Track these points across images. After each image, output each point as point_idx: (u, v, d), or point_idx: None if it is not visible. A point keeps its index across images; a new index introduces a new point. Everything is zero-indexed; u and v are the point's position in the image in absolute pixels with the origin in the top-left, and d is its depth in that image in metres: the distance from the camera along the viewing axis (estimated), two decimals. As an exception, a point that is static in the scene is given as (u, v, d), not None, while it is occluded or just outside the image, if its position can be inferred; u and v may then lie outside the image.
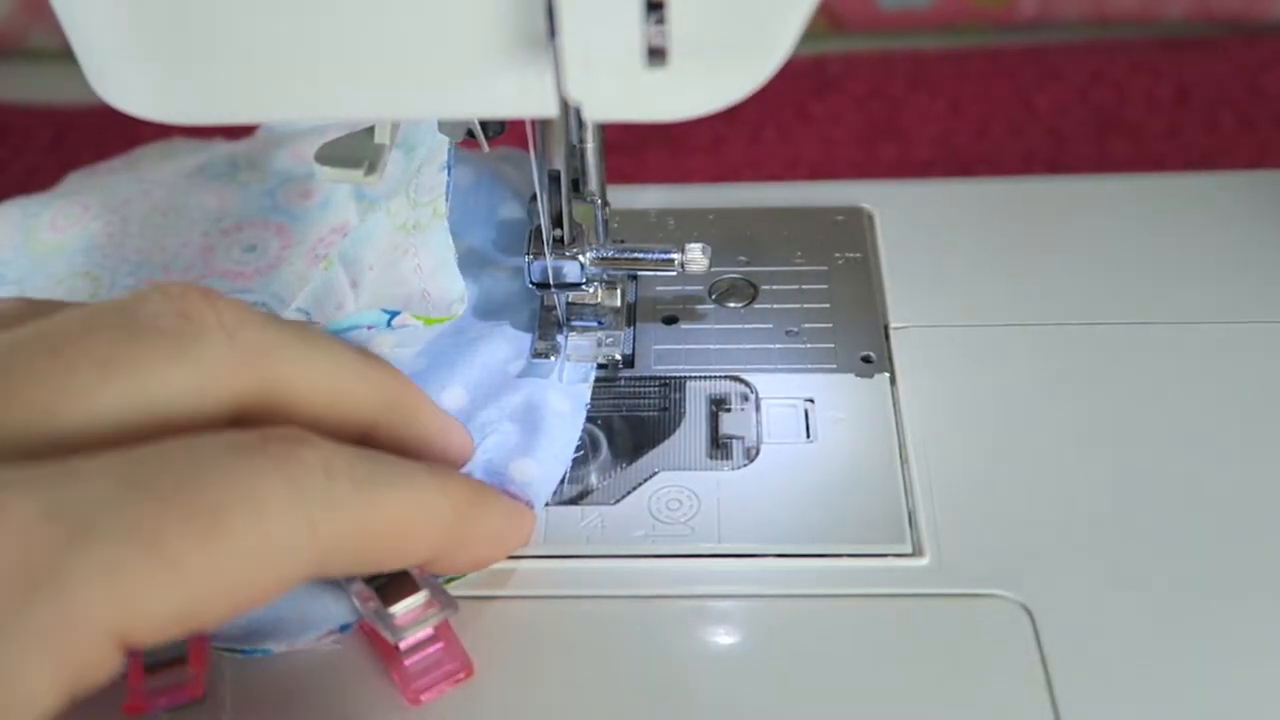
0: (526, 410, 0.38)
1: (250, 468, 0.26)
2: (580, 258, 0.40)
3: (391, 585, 0.33)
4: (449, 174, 0.38)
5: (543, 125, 0.36)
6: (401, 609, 0.32)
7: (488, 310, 0.42)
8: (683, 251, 0.39)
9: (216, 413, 0.28)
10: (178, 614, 0.25)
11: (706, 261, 0.39)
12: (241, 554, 0.25)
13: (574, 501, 0.37)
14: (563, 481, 0.37)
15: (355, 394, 0.31)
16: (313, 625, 0.33)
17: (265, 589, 0.26)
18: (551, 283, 0.40)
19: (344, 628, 0.34)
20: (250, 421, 0.29)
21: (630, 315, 0.43)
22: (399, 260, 0.39)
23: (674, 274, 0.40)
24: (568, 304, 0.41)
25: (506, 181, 0.47)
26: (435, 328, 0.37)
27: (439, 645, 0.33)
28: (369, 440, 0.32)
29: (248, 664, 0.33)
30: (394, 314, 0.36)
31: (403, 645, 0.32)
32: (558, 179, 0.38)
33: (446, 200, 0.38)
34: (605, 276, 0.41)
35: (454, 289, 0.37)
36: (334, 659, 0.33)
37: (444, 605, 0.32)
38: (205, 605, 0.25)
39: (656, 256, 0.40)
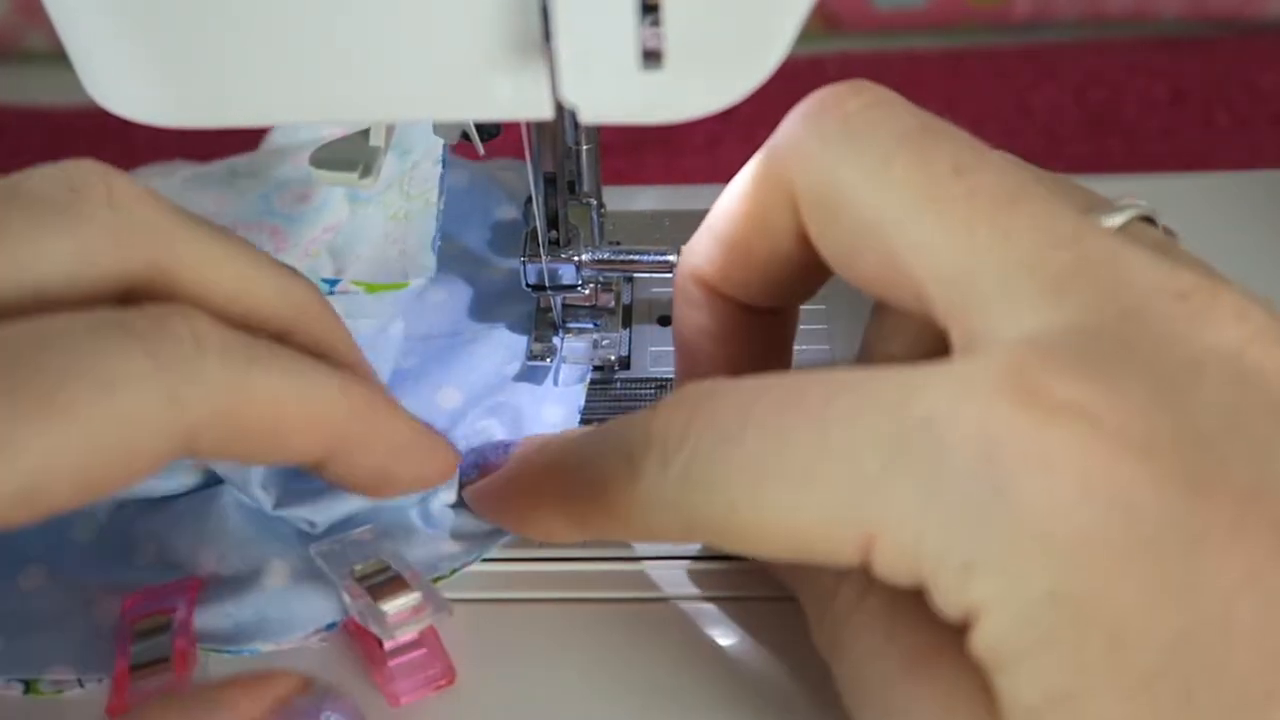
0: (515, 418, 0.38)
1: (106, 343, 0.25)
2: (576, 259, 0.40)
3: (384, 584, 0.33)
4: (444, 167, 0.38)
5: (538, 127, 0.36)
6: (393, 608, 0.32)
7: (483, 312, 0.42)
8: (679, 253, 0.39)
9: (99, 288, 0.27)
10: (18, 494, 0.24)
11: None
12: (84, 431, 0.24)
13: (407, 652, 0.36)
14: None
15: (262, 293, 0.30)
16: (299, 624, 0.33)
17: (122, 466, 0.25)
18: (547, 285, 0.40)
19: (330, 626, 0.34)
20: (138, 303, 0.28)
21: (626, 317, 0.43)
22: (388, 248, 0.39)
23: (670, 275, 0.40)
24: (564, 306, 0.41)
25: (502, 184, 0.47)
26: (381, 296, 0.37)
27: (423, 650, 0.33)
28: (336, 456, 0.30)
29: (235, 664, 0.33)
30: (335, 281, 0.36)
31: (388, 645, 0.32)
32: (553, 181, 0.38)
33: (441, 195, 0.38)
34: (601, 279, 0.41)
35: (427, 263, 0.38)
36: (321, 659, 0.33)
37: (437, 607, 0.32)
38: (50, 485, 0.24)
39: (653, 259, 0.40)
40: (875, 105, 0.29)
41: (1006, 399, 0.24)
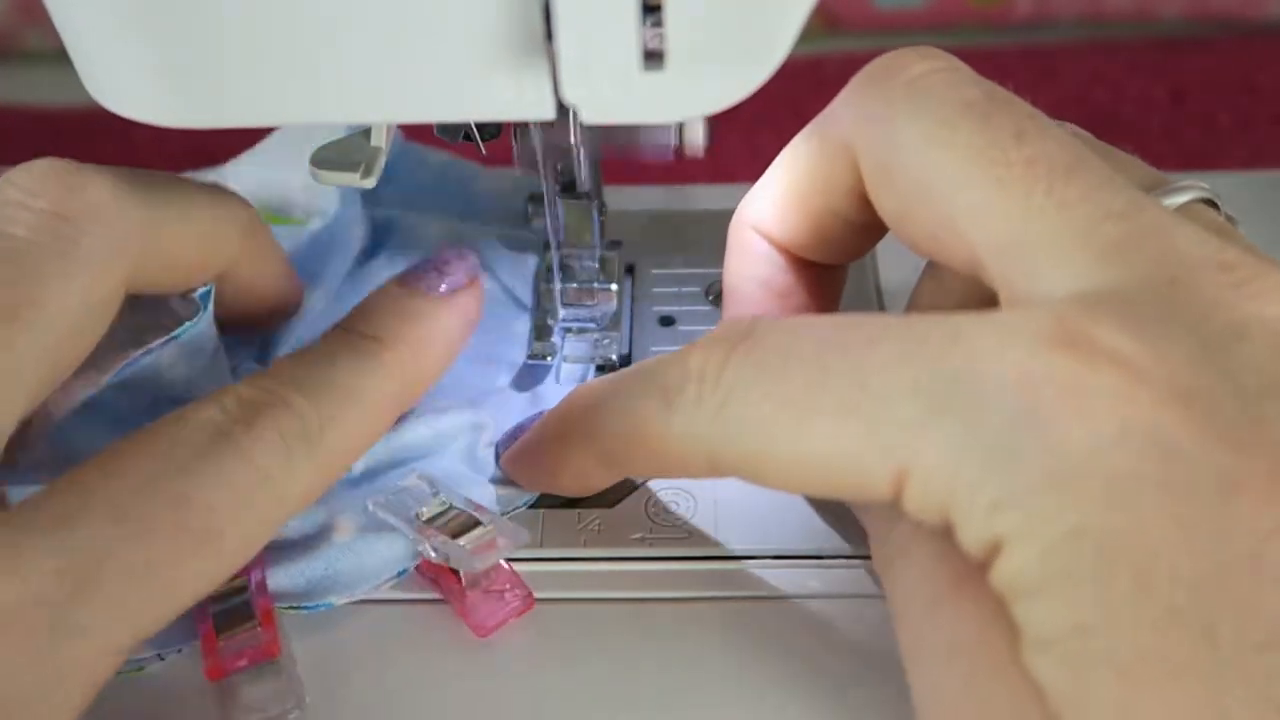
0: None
1: (225, 469, 0.29)
2: (576, 260, 0.40)
3: (455, 522, 0.33)
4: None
5: (541, 125, 0.36)
6: (470, 540, 0.33)
7: (487, 321, 0.42)
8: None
9: (117, 289, 0.31)
10: (173, 615, 0.28)
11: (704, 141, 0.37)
12: (226, 555, 0.29)
13: (571, 504, 0.37)
14: None
15: (219, 235, 0.34)
16: (370, 575, 0.34)
17: (243, 563, 0.30)
18: (547, 285, 0.40)
19: (401, 573, 0.34)
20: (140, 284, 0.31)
21: (628, 316, 0.43)
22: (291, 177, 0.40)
23: (671, 160, 0.38)
24: (564, 305, 0.41)
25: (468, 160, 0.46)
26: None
27: (500, 579, 0.33)
28: (234, 273, 0.35)
29: (310, 621, 0.34)
30: None
31: (466, 579, 0.33)
32: (572, 186, 0.38)
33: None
34: (601, 279, 0.41)
35: (327, 205, 0.39)
36: (398, 607, 0.34)
37: (513, 535, 0.33)
38: (195, 599, 0.29)
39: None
40: (941, 70, 0.29)
41: (1050, 345, 0.24)
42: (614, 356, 0.41)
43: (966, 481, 0.24)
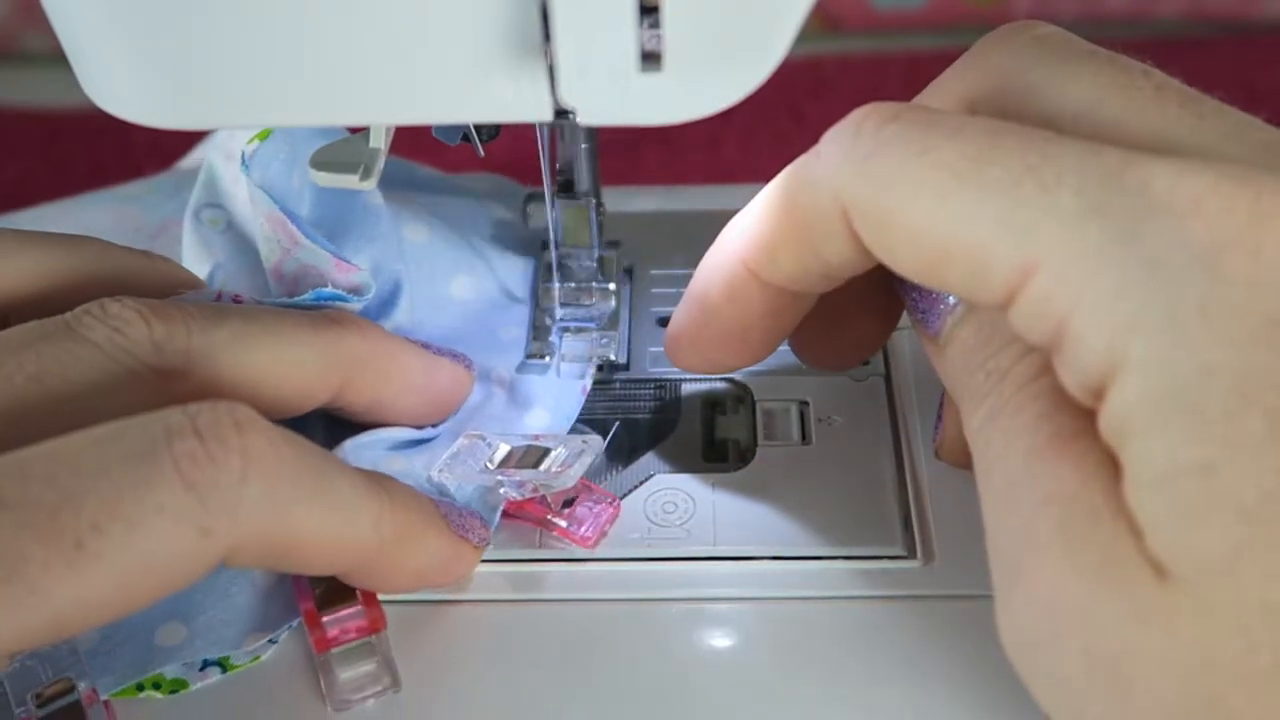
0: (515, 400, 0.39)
1: (142, 477, 0.25)
2: (574, 259, 0.40)
3: (526, 456, 0.34)
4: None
5: (542, 125, 0.36)
6: (550, 464, 0.34)
7: (483, 312, 0.42)
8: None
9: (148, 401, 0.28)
10: (47, 630, 0.25)
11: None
12: (112, 573, 0.25)
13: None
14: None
15: (305, 370, 0.32)
16: None
17: (151, 593, 0.26)
18: (545, 284, 0.40)
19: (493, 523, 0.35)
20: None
21: (626, 316, 0.43)
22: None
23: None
24: (562, 304, 0.41)
25: (490, 198, 0.46)
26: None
27: (584, 494, 0.35)
28: (344, 396, 0.33)
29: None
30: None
31: (559, 500, 0.34)
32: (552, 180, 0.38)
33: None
34: (600, 279, 0.41)
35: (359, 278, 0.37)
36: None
37: (586, 447, 0.34)
38: (78, 620, 0.25)
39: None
40: (1063, 32, 0.30)
41: (1232, 184, 0.23)
42: (612, 356, 0.41)
43: (1105, 288, 0.23)
